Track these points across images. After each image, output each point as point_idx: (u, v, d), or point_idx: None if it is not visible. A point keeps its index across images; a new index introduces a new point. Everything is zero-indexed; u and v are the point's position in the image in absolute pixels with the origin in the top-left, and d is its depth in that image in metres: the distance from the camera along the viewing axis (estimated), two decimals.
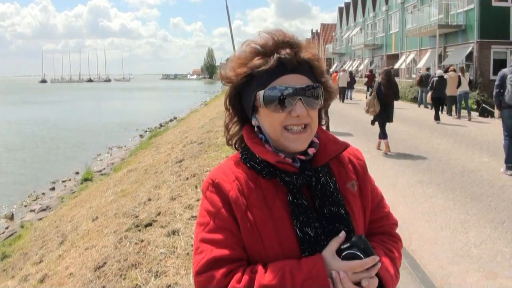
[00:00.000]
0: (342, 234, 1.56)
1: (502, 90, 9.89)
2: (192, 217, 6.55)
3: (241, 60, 1.63)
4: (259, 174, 1.63)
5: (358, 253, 1.49)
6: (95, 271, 5.72)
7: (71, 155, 25.33)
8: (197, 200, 7.35)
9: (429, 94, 20.04)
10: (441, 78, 19.66)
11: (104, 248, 6.53)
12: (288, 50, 1.58)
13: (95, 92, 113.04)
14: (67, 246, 8.09)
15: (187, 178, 9.09)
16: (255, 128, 1.69)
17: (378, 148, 13.01)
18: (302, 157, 1.64)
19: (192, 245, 5.45)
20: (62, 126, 38.95)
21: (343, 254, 1.51)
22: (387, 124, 12.75)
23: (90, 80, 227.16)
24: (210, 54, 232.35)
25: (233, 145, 1.81)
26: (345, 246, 1.52)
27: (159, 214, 7.08)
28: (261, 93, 1.58)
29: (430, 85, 20.08)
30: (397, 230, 1.92)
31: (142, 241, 6.02)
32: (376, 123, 12.84)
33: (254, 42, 1.64)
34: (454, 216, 7.23)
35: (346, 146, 1.71)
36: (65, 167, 22.13)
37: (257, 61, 1.59)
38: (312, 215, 1.58)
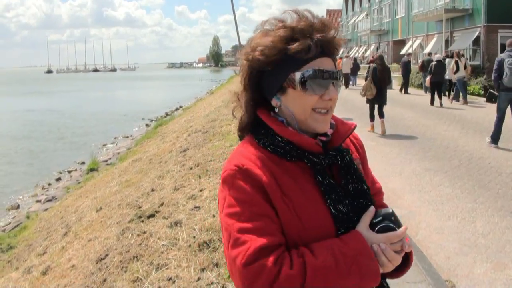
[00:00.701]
0: (372, 209, 1.62)
1: (500, 74, 10.51)
2: (195, 207, 6.47)
3: (274, 41, 1.57)
4: (282, 157, 1.61)
5: (391, 225, 1.56)
6: (96, 263, 5.67)
7: (77, 145, 25.37)
8: (200, 191, 7.28)
9: (428, 78, 20.16)
10: (439, 62, 19.88)
11: (107, 239, 6.48)
12: (323, 33, 1.58)
13: (101, 82, 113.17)
14: (70, 237, 8.05)
15: (191, 168, 9.01)
16: (276, 110, 1.67)
17: (372, 131, 13.60)
18: (323, 138, 1.67)
19: (194, 236, 5.38)
20: (69, 116, 39.00)
21: (377, 228, 1.56)
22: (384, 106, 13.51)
23: (95, 70, 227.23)
24: (215, 42, 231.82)
25: (243, 130, 1.75)
26: (377, 220, 1.58)
27: (162, 204, 7.01)
28: (297, 74, 1.57)
29: (429, 69, 20.36)
30: (404, 220, 1.92)
31: (144, 232, 5.95)
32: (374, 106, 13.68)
33: (286, 23, 1.60)
34: (462, 205, 7.12)
35: (354, 126, 1.75)
36: (71, 157, 22.16)
37: (292, 42, 1.55)
38: (342, 193, 1.62)
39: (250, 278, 1.42)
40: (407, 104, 20.38)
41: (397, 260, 1.56)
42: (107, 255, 5.75)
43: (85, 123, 34.38)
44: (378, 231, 1.55)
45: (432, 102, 19.68)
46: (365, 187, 1.69)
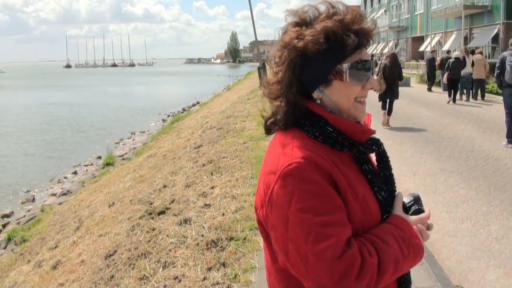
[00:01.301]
0: (401, 194, 1.70)
1: (502, 71, 10.75)
2: (205, 205, 6.45)
3: (323, 32, 1.54)
4: (333, 147, 1.58)
5: (421, 207, 1.68)
6: (105, 259, 5.68)
7: (95, 139, 25.54)
8: (212, 188, 7.26)
9: (446, 74, 20.19)
10: (457, 59, 19.82)
11: (117, 235, 6.49)
12: (363, 25, 1.58)
13: (119, 77, 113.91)
14: (82, 232, 8.08)
15: (204, 165, 9.00)
16: (318, 101, 1.63)
17: (387, 124, 13.92)
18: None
19: (202, 235, 5.35)
20: (87, 110, 39.30)
21: (412, 210, 1.66)
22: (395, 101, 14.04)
23: (114, 65, 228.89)
24: (233, 38, 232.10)
25: (282, 123, 1.65)
26: (409, 203, 1.68)
27: (173, 201, 7.00)
28: (345, 66, 1.56)
29: (446, 66, 20.42)
30: None
31: (153, 229, 5.94)
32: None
33: (332, 14, 1.58)
34: (476, 207, 6.99)
35: (371, 115, 1.79)
36: (88, 151, 22.33)
37: (340, 34, 1.54)
38: (381, 180, 1.69)
39: (342, 270, 1.40)
40: (424, 102, 20.18)
41: (428, 238, 1.66)
42: (116, 251, 5.75)
43: (103, 117, 34.61)
44: (411, 214, 1.66)
45: (449, 99, 19.74)
46: (392, 173, 1.76)
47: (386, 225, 1.57)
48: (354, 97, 1.60)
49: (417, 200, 1.69)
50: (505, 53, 10.90)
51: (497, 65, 11.10)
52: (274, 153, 1.59)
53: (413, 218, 1.63)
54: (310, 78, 1.59)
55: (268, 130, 1.71)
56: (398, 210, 1.64)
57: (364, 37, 1.58)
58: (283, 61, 1.60)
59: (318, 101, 1.62)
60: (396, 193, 1.72)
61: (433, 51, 27.55)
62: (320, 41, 1.52)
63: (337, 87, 1.59)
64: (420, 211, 1.67)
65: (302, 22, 1.59)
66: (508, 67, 10.56)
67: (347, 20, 1.55)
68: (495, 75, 11.42)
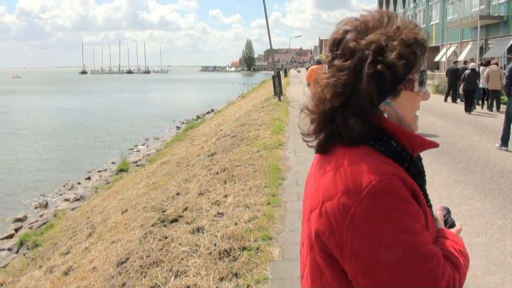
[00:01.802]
0: (440, 208, 1.75)
1: (510, 83, 11.36)
2: (218, 213, 6.42)
3: (406, 46, 1.48)
4: (396, 162, 1.47)
5: (453, 220, 1.73)
6: (117, 266, 5.66)
7: (109, 145, 25.68)
8: (225, 196, 7.22)
9: (462, 85, 20.38)
10: (473, 70, 20.06)
11: (129, 242, 6.47)
12: (419, 34, 1.52)
13: (135, 83, 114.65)
14: (94, 238, 8.08)
15: (217, 173, 8.97)
16: (385, 114, 1.51)
17: None
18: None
19: (215, 244, 5.31)
20: (102, 116, 39.54)
21: (449, 223, 1.71)
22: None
23: (129, 72, 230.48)
24: (248, 46, 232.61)
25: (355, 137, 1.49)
26: (446, 216, 1.73)
27: (185, 209, 6.97)
28: (416, 76, 1.51)
29: (462, 77, 20.69)
30: None
31: (166, 237, 5.91)
32: None
33: (388, 16, 1.53)
34: (492, 221, 6.89)
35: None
36: (102, 156, 22.44)
37: (415, 47, 1.50)
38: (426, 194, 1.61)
39: (444, 283, 1.36)
40: (439, 113, 20.04)
41: None
42: (128, 258, 5.73)
43: (117, 123, 34.81)
44: (448, 227, 1.70)
45: (466, 109, 19.78)
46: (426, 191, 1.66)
47: (442, 239, 1.56)
48: (416, 109, 1.56)
49: (449, 212, 1.75)
50: None
51: (506, 74, 11.68)
52: (343, 172, 1.44)
53: (453, 231, 1.65)
54: (380, 89, 1.48)
55: (325, 148, 1.57)
56: (441, 223, 1.67)
57: (423, 47, 1.51)
58: (367, 78, 1.47)
59: (385, 114, 1.51)
60: (438, 207, 1.76)
61: (455, 62, 27.22)
62: (411, 55, 1.49)
63: (404, 98, 1.51)
64: (453, 223, 1.72)
65: (382, 34, 1.50)
66: None
67: (415, 31, 1.51)
68: (504, 84, 12.12)
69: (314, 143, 1.60)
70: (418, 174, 1.56)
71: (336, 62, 1.49)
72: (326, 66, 1.55)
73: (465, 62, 25.70)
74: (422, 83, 1.52)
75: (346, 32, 1.51)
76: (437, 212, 1.70)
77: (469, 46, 35.41)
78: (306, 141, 1.64)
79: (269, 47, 31.32)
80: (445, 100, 24.69)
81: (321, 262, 1.50)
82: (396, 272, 1.33)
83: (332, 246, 1.43)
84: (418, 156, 1.62)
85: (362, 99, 1.45)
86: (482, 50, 32.25)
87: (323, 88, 1.52)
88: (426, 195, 1.59)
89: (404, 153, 1.49)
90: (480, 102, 21.52)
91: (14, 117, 41.24)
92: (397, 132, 1.49)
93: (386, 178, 1.36)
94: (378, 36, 1.46)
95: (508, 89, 11.51)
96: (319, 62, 16.90)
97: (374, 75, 1.43)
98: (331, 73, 1.50)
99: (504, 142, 11.70)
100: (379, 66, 1.43)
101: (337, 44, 1.52)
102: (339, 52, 1.50)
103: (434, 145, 1.59)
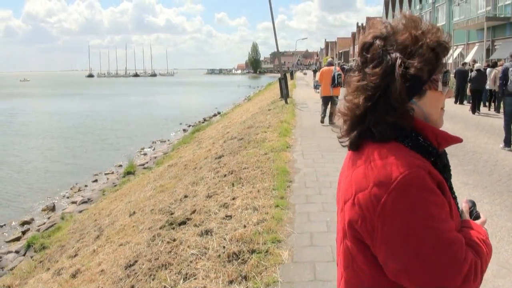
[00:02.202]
0: (466, 201, 1.82)
1: (505, 81, 11.79)
2: (227, 216, 6.39)
3: (429, 52, 1.62)
4: (424, 157, 1.61)
5: (479, 213, 1.82)
6: (125, 269, 5.65)
7: (116, 148, 25.73)
8: (233, 199, 7.20)
9: (469, 86, 20.77)
10: (479, 71, 20.31)
11: (137, 245, 6.46)
12: (441, 37, 1.66)
13: (141, 86, 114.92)
14: (102, 241, 8.07)
15: (225, 175, 8.94)
16: (411, 112, 1.65)
17: None
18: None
19: (223, 246, 5.29)
20: (109, 119, 39.67)
21: (474, 215, 1.80)
22: None
23: (136, 75, 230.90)
24: (254, 49, 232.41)
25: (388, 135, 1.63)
26: (471, 208, 1.82)
27: (194, 212, 6.94)
28: (440, 76, 1.66)
29: (469, 78, 21.05)
30: None
31: (174, 240, 5.89)
32: None
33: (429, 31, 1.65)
34: (501, 223, 6.83)
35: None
36: (109, 159, 22.49)
37: (439, 50, 1.65)
38: (452, 188, 1.73)
39: (467, 271, 1.50)
40: (446, 115, 19.79)
41: None
42: (136, 261, 5.72)
43: (124, 126, 34.88)
44: (473, 218, 1.79)
45: (473, 110, 19.93)
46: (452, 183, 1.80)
47: (467, 229, 1.66)
48: (441, 107, 1.72)
49: (474, 205, 1.84)
50: (507, 64, 12.02)
51: (499, 75, 12.36)
52: (374, 165, 1.57)
53: (478, 222, 1.75)
54: (408, 89, 1.61)
55: (356, 146, 1.70)
56: (468, 216, 1.77)
57: (446, 49, 1.65)
58: (398, 81, 1.61)
59: (411, 112, 1.64)
60: (464, 200, 1.85)
61: (464, 64, 27.03)
62: (431, 61, 1.61)
63: (429, 97, 1.66)
64: (478, 215, 1.81)
65: (410, 38, 1.64)
66: (511, 77, 11.63)
67: (438, 34, 1.64)
68: (498, 84, 12.93)
69: (347, 142, 1.75)
70: (443, 167, 1.68)
71: (367, 66, 1.63)
72: (356, 70, 1.70)
73: (463, 64, 25.70)
74: (445, 83, 1.67)
75: (375, 37, 1.66)
76: (463, 204, 1.79)
77: (475, 48, 35.28)
78: (340, 142, 1.78)
79: (275, 50, 31.32)
80: (455, 102, 24.51)
81: (353, 248, 1.66)
82: (422, 256, 1.47)
83: (364, 234, 1.57)
84: (443, 151, 1.75)
85: (393, 100, 1.58)
86: (488, 52, 32.12)
87: (354, 90, 1.66)
88: (451, 188, 1.71)
89: (430, 148, 1.63)
90: (487, 103, 21.47)
91: (22, 120, 41.54)
92: (424, 128, 1.65)
93: (414, 171, 1.50)
94: (406, 41, 1.60)
95: (502, 90, 12.03)
96: (330, 64, 17.70)
97: (403, 78, 1.56)
98: (362, 76, 1.65)
99: (507, 143, 11.94)
100: (408, 70, 1.57)
101: (367, 48, 1.66)
102: (369, 56, 1.64)
103: (458, 140, 1.76)
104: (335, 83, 16.61)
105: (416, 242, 1.47)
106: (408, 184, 1.48)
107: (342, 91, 17.29)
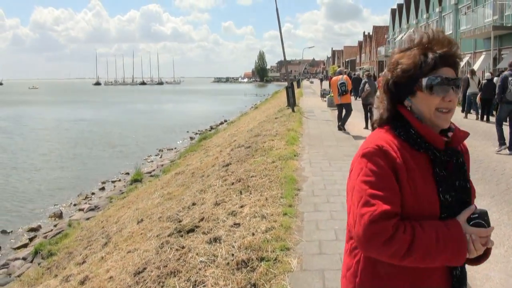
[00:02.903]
0: (473, 206, 1.96)
1: (504, 89, 12.60)
2: (235, 224, 6.39)
3: (410, 63, 2.01)
4: (412, 147, 1.98)
5: (483, 222, 1.88)
6: (134, 276, 5.64)
7: (123, 155, 25.80)
8: (241, 207, 7.20)
9: (478, 95, 20.93)
10: (489, 81, 20.44)
11: (146, 252, 6.46)
12: (446, 49, 1.98)
13: (148, 94, 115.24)
14: (110, 248, 8.08)
15: (232, 183, 8.95)
16: (408, 108, 2.06)
17: None
18: (445, 138, 2.03)
19: (232, 254, 5.29)
20: (116, 127, 39.76)
21: (472, 222, 1.89)
22: None
23: (143, 83, 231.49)
24: (261, 57, 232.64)
25: (382, 122, 2.13)
26: (474, 216, 1.90)
27: (202, 219, 6.94)
28: (424, 80, 1.97)
29: (479, 87, 21.55)
30: None
31: (183, 247, 5.89)
32: None
33: (418, 43, 2.03)
34: (509, 232, 6.81)
35: (468, 134, 2.12)
36: (116, 167, 22.53)
37: (423, 58, 1.98)
38: (451, 185, 1.98)
39: (371, 234, 1.82)
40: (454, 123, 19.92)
41: (481, 251, 1.90)
42: (145, 268, 5.72)
43: (131, 134, 34.97)
44: (472, 225, 1.88)
45: (482, 118, 20.53)
46: (469, 186, 2.05)
47: (438, 222, 1.90)
48: (435, 107, 1.97)
49: (483, 215, 1.91)
50: (506, 73, 12.86)
51: (498, 83, 12.97)
52: (365, 140, 2.06)
53: (472, 229, 1.88)
54: (402, 89, 2.05)
55: (373, 128, 2.17)
56: (460, 217, 1.91)
57: (445, 58, 1.98)
58: (384, 79, 2.12)
59: (409, 108, 2.06)
60: (470, 205, 1.98)
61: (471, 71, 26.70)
62: (409, 68, 2.00)
63: (420, 98, 2.01)
64: (480, 224, 1.88)
65: (402, 52, 2.07)
66: (510, 86, 12.44)
67: (429, 46, 1.99)
68: (496, 92, 13.16)
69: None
70: (439, 163, 1.97)
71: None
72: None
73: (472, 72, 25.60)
74: (428, 86, 1.96)
75: (393, 51, 2.16)
76: (467, 208, 1.94)
77: (482, 57, 35.14)
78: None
79: (281, 58, 31.38)
80: (462, 111, 24.32)
81: (348, 220, 2.01)
82: (353, 209, 1.92)
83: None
84: (454, 151, 2.04)
85: (392, 96, 2.09)
86: (495, 61, 32.01)
87: (380, 87, 2.18)
88: (447, 183, 1.97)
89: (419, 139, 1.98)
90: (494, 112, 21.44)
91: (31, 127, 41.78)
92: (414, 123, 2.01)
93: (371, 146, 1.96)
94: (396, 54, 2.09)
95: (500, 97, 12.77)
96: (340, 73, 18.69)
97: (395, 81, 2.07)
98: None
99: (502, 143, 12.88)
100: (388, 73, 2.10)
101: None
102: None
103: (439, 139, 1.99)
104: (339, 91, 17.61)
105: (354, 198, 1.92)
106: (363, 155, 1.96)
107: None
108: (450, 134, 2.05)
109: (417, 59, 1.98)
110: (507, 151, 12.78)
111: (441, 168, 1.97)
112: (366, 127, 19.04)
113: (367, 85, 19.27)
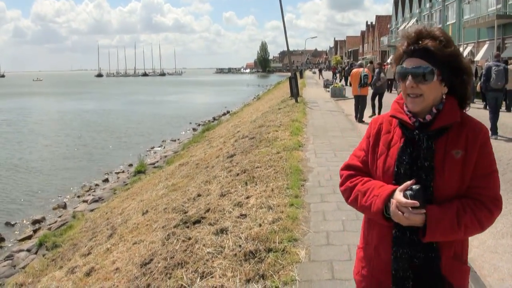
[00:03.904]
0: (412, 181, 2.17)
1: (488, 78, 13.85)
2: (241, 215, 6.36)
3: (396, 54, 2.38)
4: (398, 123, 2.35)
5: (408, 194, 2.12)
6: (141, 267, 5.63)
7: (126, 147, 25.79)
8: (247, 198, 7.17)
9: (478, 84, 20.41)
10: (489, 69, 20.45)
11: (152, 244, 6.44)
12: (409, 41, 2.25)
13: (150, 86, 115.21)
14: (115, 239, 8.06)
15: (238, 174, 8.91)
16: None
17: None
18: (420, 120, 2.27)
19: (239, 245, 5.27)
20: (118, 118, 39.75)
21: (403, 193, 2.14)
22: None
23: (145, 74, 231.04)
24: (263, 48, 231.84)
25: None
26: (408, 189, 2.14)
27: (208, 210, 6.91)
28: (397, 68, 2.31)
29: (479, 76, 21.35)
30: None
31: (189, 238, 5.87)
32: None
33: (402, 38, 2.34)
34: None
35: (454, 121, 2.23)
36: (119, 158, 22.53)
37: (399, 47, 2.32)
38: (407, 160, 2.24)
39: (340, 177, 2.51)
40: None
41: (398, 217, 2.13)
42: (151, 259, 5.70)
43: (135, 125, 34.99)
44: (404, 195, 2.13)
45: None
46: (431, 165, 2.19)
47: (379, 182, 2.30)
48: (406, 93, 2.26)
49: (414, 190, 2.12)
50: (490, 64, 14.24)
51: (483, 73, 14.15)
52: None
53: (396, 195, 2.15)
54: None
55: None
56: (399, 187, 2.18)
57: (408, 50, 2.25)
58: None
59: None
60: (430, 186, 2.19)
61: (472, 62, 26.64)
62: (397, 58, 2.36)
63: (400, 84, 2.32)
64: (405, 196, 2.13)
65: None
66: (493, 75, 13.69)
67: (402, 40, 2.30)
68: (481, 81, 14.42)
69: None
70: (406, 140, 2.28)
71: None
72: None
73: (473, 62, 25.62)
74: (396, 74, 2.32)
75: None
76: (410, 181, 2.18)
77: (486, 46, 34.97)
78: None
79: (283, 49, 31.44)
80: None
81: None
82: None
83: None
84: (423, 135, 2.24)
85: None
86: (499, 50, 31.85)
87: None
88: (405, 158, 2.25)
89: (397, 118, 2.34)
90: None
91: (37, 118, 42.02)
92: (396, 103, 2.40)
93: (373, 118, 2.57)
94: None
95: (485, 86, 14.01)
96: (361, 66, 19.86)
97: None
98: None
99: (494, 132, 13.44)
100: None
101: None
102: None
103: (407, 121, 2.29)
104: (362, 83, 18.11)
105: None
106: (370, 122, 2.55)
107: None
108: (428, 117, 2.25)
109: (396, 53, 2.34)
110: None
111: (406, 144, 2.26)
112: (373, 115, 19.15)
113: (382, 74, 19.51)
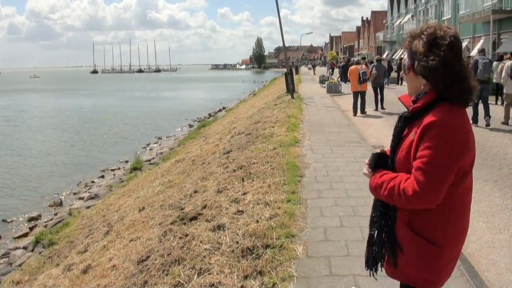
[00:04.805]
0: (380, 148, 2.87)
1: (475, 70, 14.66)
2: (238, 211, 6.35)
3: None
4: None
5: (367, 160, 2.75)
6: (138, 264, 5.62)
7: (122, 143, 25.74)
8: (244, 194, 7.16)
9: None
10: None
11: (149, 240, 6.43)
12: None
13: (146, 82, 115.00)
14: (112, 236, 8.04)
15: (234, 170, 8.89)
16: None
17: None
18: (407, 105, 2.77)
19: (237, 242, 5.26)
20: (114, 115, 39.70)
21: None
22: None
23: (140, 71, 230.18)
24: (259, 43, 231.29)
25: None
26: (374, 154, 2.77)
27: (204, 207, 6.90)
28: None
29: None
30: None
31: (186, 235, 5.85)
32: None
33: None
34: None
35: (416, 109, 2.56)
36: (115, 155, 22.48)
37: None
38: (393, 134, 2.69)
39: None
40: None
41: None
42: (148, 256, 5.68)
43: (130, 121, 34.91)
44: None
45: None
46: (396, 141, 2.65)
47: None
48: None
49: (371, 156, 2.76)
50: (477, 57, 15.58)
51: (470, 66, 15.02)
52: None
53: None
54: None
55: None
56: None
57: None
58: None
59: None
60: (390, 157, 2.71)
61: (468, 57, 26.57)
62: None
63: None
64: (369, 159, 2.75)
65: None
66: (480, 67, 14.80)
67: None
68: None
69: None
70: (401, 119, 2.66)
71: None
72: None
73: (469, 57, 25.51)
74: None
75: None
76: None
77: (481, 41, 34.94)
78: None
79: (279, 45, 31.38)
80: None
81: None
82: None
83: None
84: (405, 115, 2.65)
85: None
86: (495, 45, 31.86)
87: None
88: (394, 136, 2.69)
89: (403, 99, 2.84)
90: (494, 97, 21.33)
91: (33, 115, 42.00)
92: None
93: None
94: None
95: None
96: (358, 63, 19.79)
97: None
98: None
99: (475, 120, 14.80)
100: None
101: None
102: None
103: (404, 102, 2.82)
104: (361, 80, 18.43)
105: None
106: None
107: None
108: (410, 103, 2.70)
109: None
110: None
111: (397, 123, 2.67)
112: (376, 109, 19.71)
113: (374, 69, 20.09)
